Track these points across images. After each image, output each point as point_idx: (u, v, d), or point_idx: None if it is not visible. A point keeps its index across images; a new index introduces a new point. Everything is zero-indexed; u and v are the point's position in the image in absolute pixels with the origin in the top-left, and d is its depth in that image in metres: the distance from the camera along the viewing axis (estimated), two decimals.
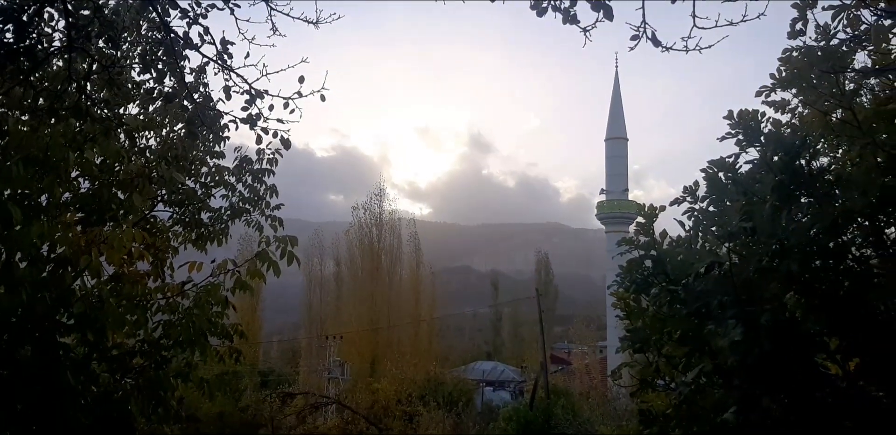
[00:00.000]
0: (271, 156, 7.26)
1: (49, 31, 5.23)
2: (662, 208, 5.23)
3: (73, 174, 6.02)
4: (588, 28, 3.57)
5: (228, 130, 6.17)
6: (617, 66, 47.77)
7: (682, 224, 5.01)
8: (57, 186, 5.60)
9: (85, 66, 5.38)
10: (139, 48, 5.78)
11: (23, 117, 5.51)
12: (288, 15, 4.90)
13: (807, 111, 5.52)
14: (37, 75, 5.41)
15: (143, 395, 6.52)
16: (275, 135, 5.62)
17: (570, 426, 19.31)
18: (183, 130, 6.80)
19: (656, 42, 3.46)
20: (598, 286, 59.60)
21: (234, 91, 5.28)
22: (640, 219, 5.32)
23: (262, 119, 5.37)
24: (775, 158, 4.52)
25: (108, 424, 6.31)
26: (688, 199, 5.05)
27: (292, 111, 5.27)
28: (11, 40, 4.48)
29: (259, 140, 5.64)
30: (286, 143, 5.85)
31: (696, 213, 4.98)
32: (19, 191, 5.43)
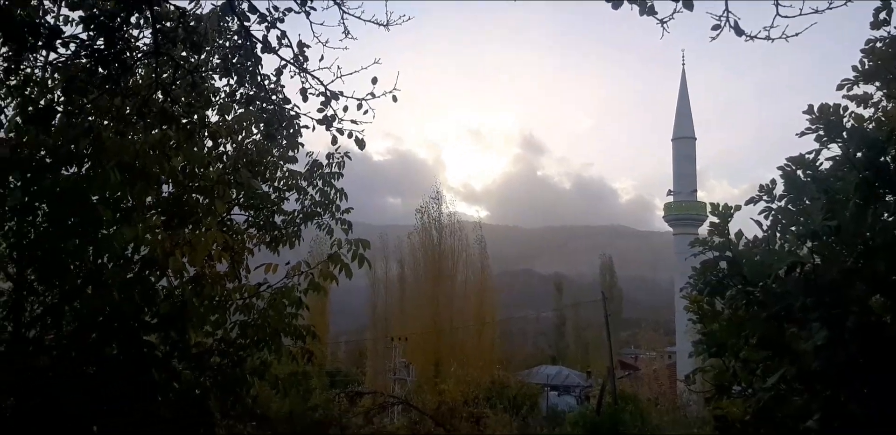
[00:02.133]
0: (340, 159, 7.46)
1: (135, 38, 5.50)
2: (738, 208, 5.09)
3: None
4: (665, 19, 3.51)
5: (301, 136, 6.37)
6: (684, 64, 46.62)
7: (759, 224, 4.86)
8: (146, 191, 5.90)
9: (170, 71, 5.64)
10: (219, 53, 6.03)
11: (111, 124, 5.81)
12: (359, 18, 5.03)
13: (891, 105, 5.29)
14: (123, 82, 5.70)
15: (222, 392, 6.77)
16: (349, 135, 5.75)
17: (638, 432, 18.94)
18: (258, 136, 7.07)
19: (739, 31, 3.36)
20: (665, 290, 58.19)
21: (310, 93, 5.44)
22: (713, 219, 5.19)
23: (337, 120, 5.51)
24: (858, 155, 4.35)
25: (188, 419, 6.58)
26: (764, 197, 4.90)
27: (366, 112, 5.39)
28: (101, 47, 4.73)
29: (335, 141, 5.79)
30: (360, 144, 5.98)
31: (773, 212, 4.83)
32: (110, 195, 5.74)
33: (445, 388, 21.30)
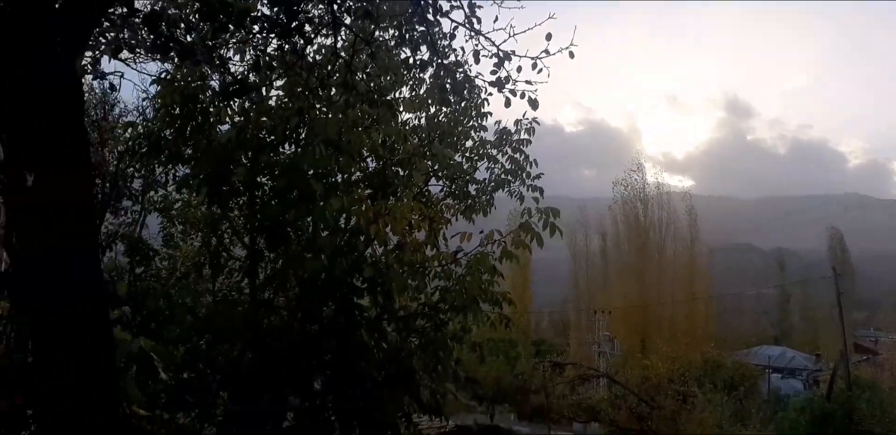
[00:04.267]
0: (529, 125, 7.43)
1: (314, 10, 5.76)
2: None
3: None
4: None
5: (488, 104, 6.37)
6: None
7: None
8: (350, 166, 6.35)
9: (348, 42, 5.86)
10: (392, 23, 6.18)
11: (316, 104, 6.27)
12: None
13: None
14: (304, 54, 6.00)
15: (425, 354, 7.16)
16: (522, 96, 5.58)
17: (877, 424, 16.88)
18: (448, 108, 7.26)
19: None
20: None
21: (482, 55, 5.33)
22: None
23: (511, 81, 5.36)
24: None
25: (395, 378, 7.05)
26: None
27: (540, 71, 5.19)
28: (283, 21, 5.04)
29: (508, 103, 5.65)
30: (534, 104, 5.79)
31: None
32: (320, 170, 6.27)
33: (650, 363, 20.60)
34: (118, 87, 5.63)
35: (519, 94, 5.42)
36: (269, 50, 5.49)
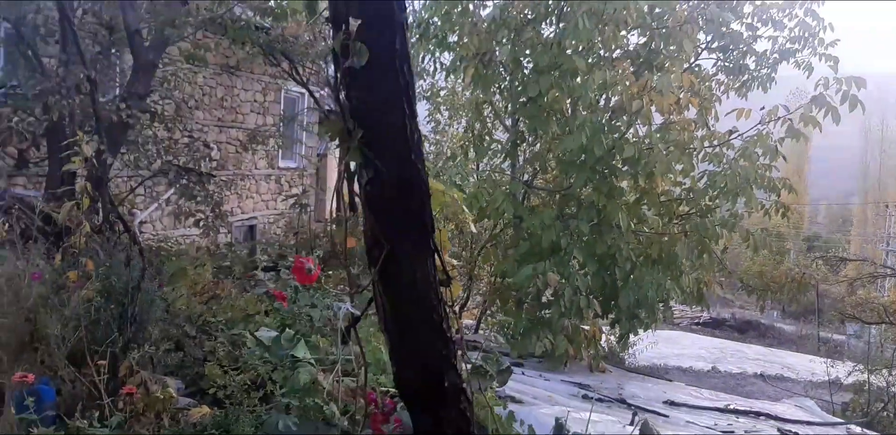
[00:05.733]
0: None
1: None
2: None
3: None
4: None
5: None
6: None
7: None
8: (613, 39, 6.00)
9: None
10: None
11: None
12: None
13: None
14: None
15: (689, 240, 6.86)
16: None
17: None
18: None
19: None
20: None
21: None
22: None
23: None
24: None
25: (655, 262, 6.92)
26: None
27: None
28: None
29: None
30: None
31: None
32: (582, 46, 6.02)
33: None
34: None
35: None
36: None
